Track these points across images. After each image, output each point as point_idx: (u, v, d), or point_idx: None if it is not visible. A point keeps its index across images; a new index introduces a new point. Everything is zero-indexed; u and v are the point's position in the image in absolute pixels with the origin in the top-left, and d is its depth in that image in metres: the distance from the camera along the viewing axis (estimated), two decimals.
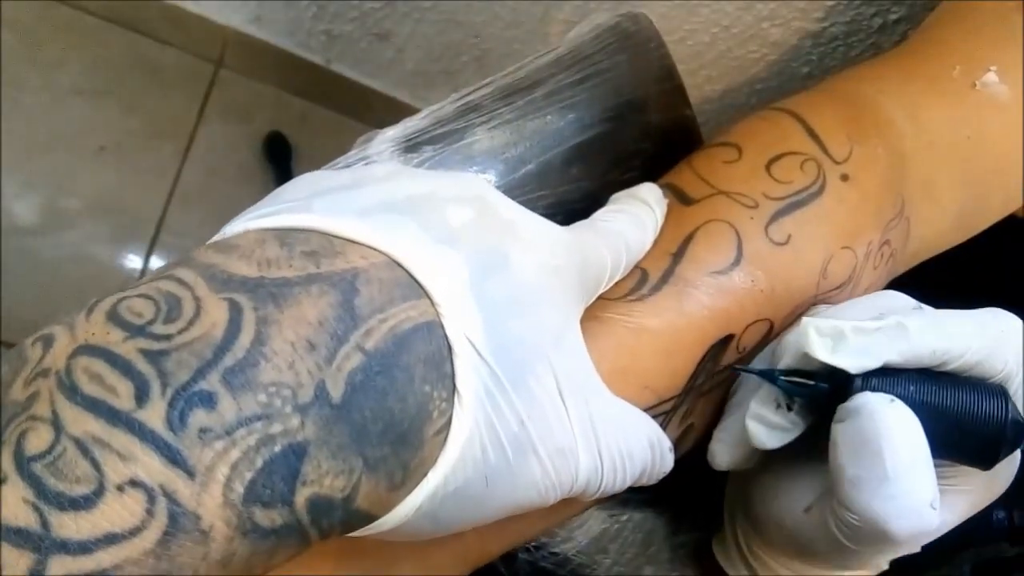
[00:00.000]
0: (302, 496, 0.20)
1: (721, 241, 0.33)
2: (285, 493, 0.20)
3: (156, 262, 0.95)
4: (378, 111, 0.93)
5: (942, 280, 0.43)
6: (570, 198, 0.37)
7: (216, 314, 0.20)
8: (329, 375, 0.20)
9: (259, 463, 0.19)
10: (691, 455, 0.35)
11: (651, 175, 0.37)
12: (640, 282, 0.32)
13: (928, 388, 0.28)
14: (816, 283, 0.34)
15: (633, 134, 0.39)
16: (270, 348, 0.20)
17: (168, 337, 0.20)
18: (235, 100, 0.97)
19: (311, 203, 0.24)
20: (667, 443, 0.30)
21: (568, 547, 0.45)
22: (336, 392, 0.20)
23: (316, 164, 0.39)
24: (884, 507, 0.26)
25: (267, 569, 0.21)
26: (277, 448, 0.20)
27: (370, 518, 0.22)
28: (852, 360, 0.28)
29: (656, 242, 0.33)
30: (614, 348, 0.31)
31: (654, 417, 0.30)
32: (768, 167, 0.35)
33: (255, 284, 0.21)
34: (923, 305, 0.31)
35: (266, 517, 0.20)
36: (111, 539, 0.18)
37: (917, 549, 0.29)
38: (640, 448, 0.28)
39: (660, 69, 0.39)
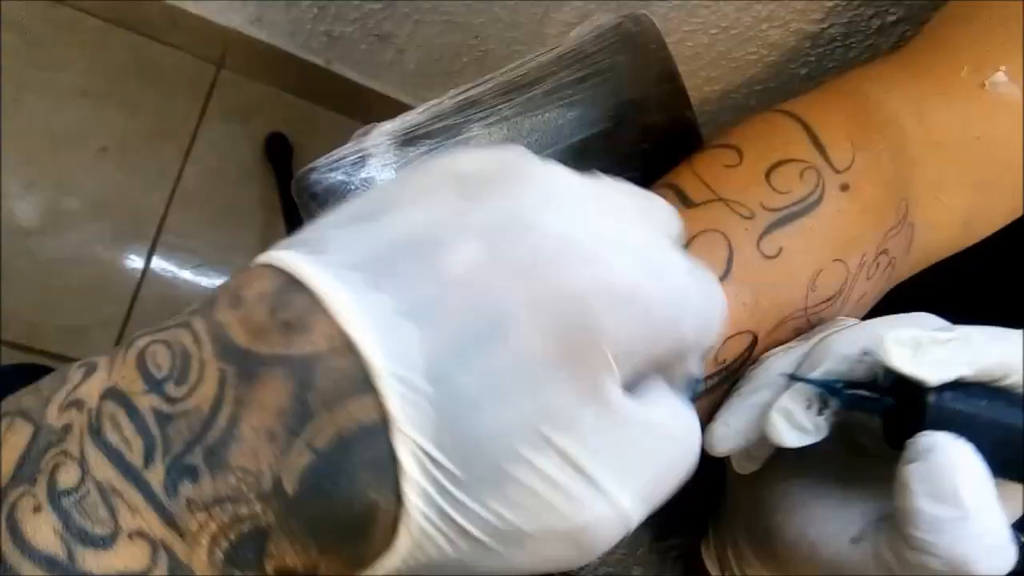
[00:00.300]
0: (271, 566, 0.22)
1: (713, 253, 0.33)
2: (255, 563, 0.22)
3: (157, 262, 0.95)
4: (378, 112, 0.93)
5: (946, 284, 0.43)
6: None
7: (209, 386, 0.22)
8: (285, 469, 0.21)
9: (232, 537, 0.22)
10: None
11: (651, 175, 0.37)
12: None
13: (996, 404, 0.27)
14: (804, 296, 0.34)
15: (633, 134, 0.39)
16: (240, 431, 0.21)
17: (174, 400, 0.22)
18: (236, 101, 0.98)
19: (326, 238, 0.23)
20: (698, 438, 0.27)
21: None
22: (290, 488, 0.21)
23: None
24: (969, 548, 0.26)
25: None
26: (245, 528, 0.22)
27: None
28: (931, 371, 0.27)
29: None
30: None
31: None
32: (768, 175, 0.35)
33: (243, 356, 0.22)
34: (953, 326, 0.30)
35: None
36: None
37: None
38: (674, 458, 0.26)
39: (661, 70, 0.39)
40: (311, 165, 0.37)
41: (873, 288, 0.37)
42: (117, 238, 0.93)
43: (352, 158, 0.37)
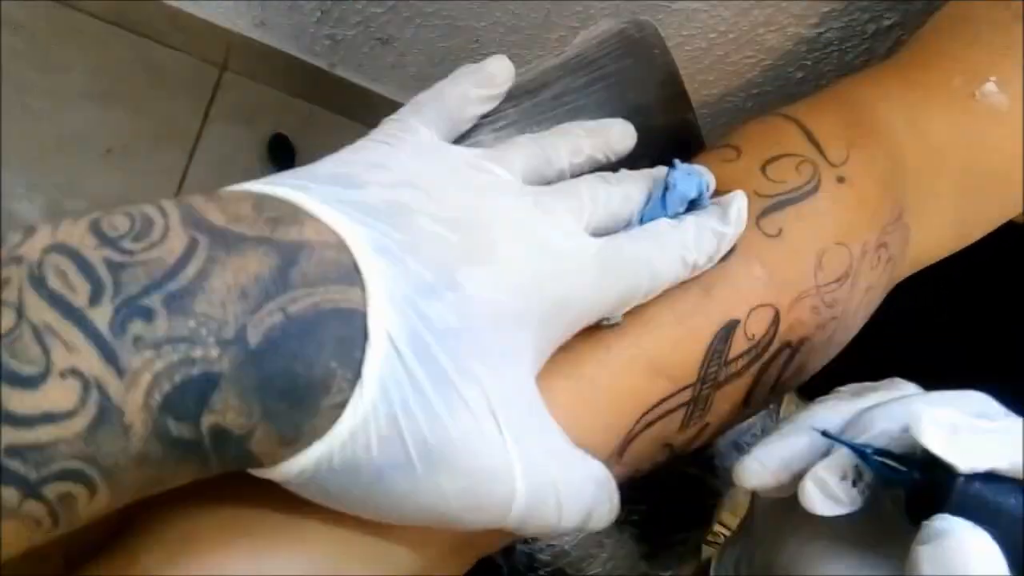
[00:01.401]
0: (207, 420, 0.22)
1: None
2: (193, 413, 0.22)
3: None
4: (381, 114, 0.93)
5: (943, 286, 0.43)
6: None
7: (175, 243, 0.22)
8: (251, 323, 0.22)
9: (177, 379, 0.21)
10: (687, 455, 0.35)
11: None
12: None
13: (1015, 503, 0.26)
14: (813, 273, 0.34)
15: (637, 138, 0.39)
16: (210, 284, 0.22)
17: (130, 253, 0.22)
18: (240, 103, 0.98)
19: (308, 187, 0.26)
20: (615, 488, 0.29)
21: (566, 540, 0.46)
22: (254, 339, 0.22)
23: None
24: None
25: (176, 482, 0.23)
26: (195, 371, 0.22)
27: (259, 463, 0.24)
28: (964, 458, 0.26)
29: None
30: (620, 337, 0.31)
31: (674, 410, 0.31)
32: (764, 168, 0.35)
33: (219, 232, 0.23)
34: (1010, 412, 0.29)
35: (176, 428, 0.22)
36: (49, 418, 0.20)
37: None
38: (586, 488, 0.28)
39: (665, 75, 0.39)
40: None
41: (878, 280, 0.37)
42: None
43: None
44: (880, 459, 0.27)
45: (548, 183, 0.32)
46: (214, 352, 0.22)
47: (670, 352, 0.32)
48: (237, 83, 0.97)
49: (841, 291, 0.35)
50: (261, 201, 0.24)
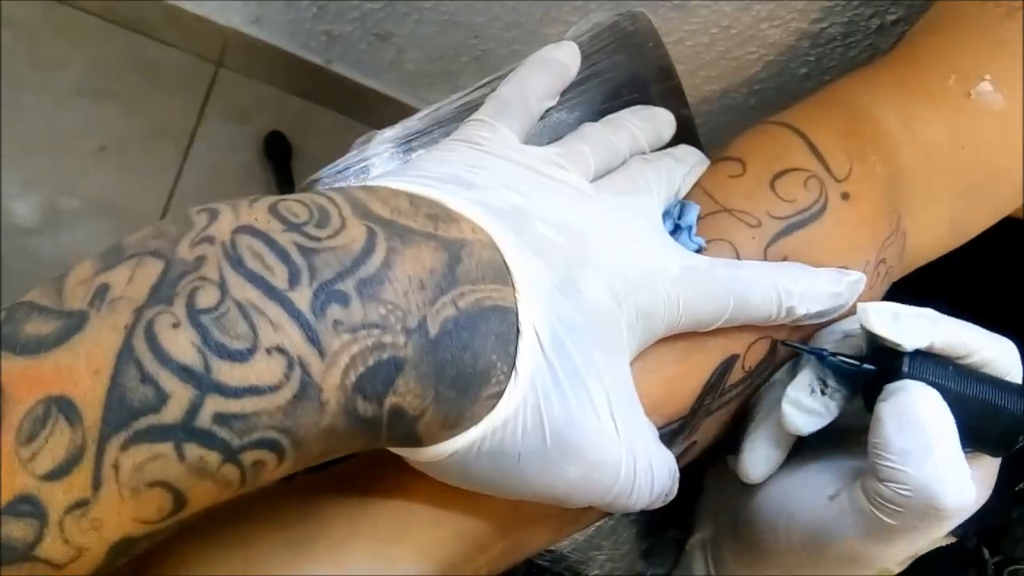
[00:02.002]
0: (390, 401, 0.24)
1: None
2: (381, 394, 0.23)
3: None
4: (378, 111, 0.93)
5: (940, 283, 0.43)
6: None
7: (356, 232, 0.24)
8: (430, 314, 0.24)
9: (370, 362, 0.23)
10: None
11: None
12: None
13: (963, 376, 0.30)
14: None
15: None
16: (393, 273, 0.24)
17: (318, 239, 0.23)
18: (235, 100, 0.98)
19: (434, 185, 0.27)
20: (677, 473, 0.31)
21: (563, 544, 0.45)
22: (433, 329, 0.24)
23: (316, 164, 0.39)
24: (934, 474, 0.28)
25: (343, 451, 0.25)
26: (385, 356, 0.23)
27: (420, 443, 0.26)
28: (906, 337, 0.30)
29: None
30: None
31: (661, 436, 0.32)
32: (772, 183, 0.35)
33: (388, 223, 0.25)
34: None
35: (364, 407, 0.23)
36: (255, 391, 0.21)
37: (954, 526, 0.30)
38: (665, 474, 0.30)
39: (659, 69, 0.38)
40: (315, 176, 0.38)
41: (875, 296, 0.37)
42: (117, 237, 0.93)
43: (356, 167, 0.37)
44: (836, 357, 0.31)
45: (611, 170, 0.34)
46: (401, 339, 0.23)
47: (666, 392, 0.33)
48: (233, 80, 0.97)
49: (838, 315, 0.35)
50: (413, 197, 0.26)
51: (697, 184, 0.36)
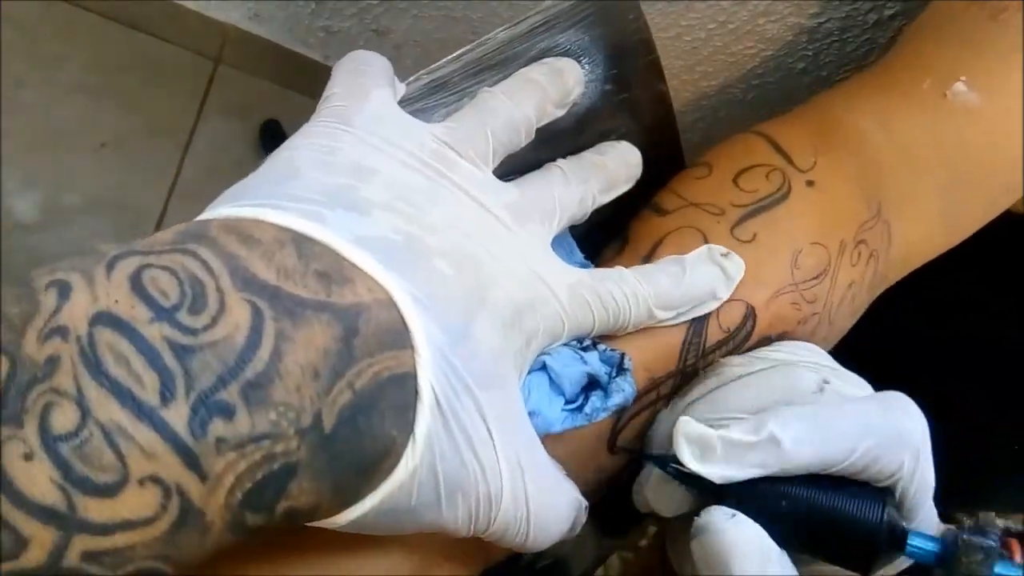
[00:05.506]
0: (282, 507, 0.22)
1: (687, 245, 0.35)
2: (272, 503, 0.22)
3: None
4: None
5: (941, 281, 0.44)
6: None
7: (239, 315, 0.21)
8: (326, 405, 0.22)
9: (259, 476, 0.21)
10: None
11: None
12: None
13: (799, 493, 0.28)
14: (790, 271, 0.36)
15: (608, 111, 0.38)
16: (284, 366, 0.21)
17: (193, 332, 0.20)
18: (234, 96, 0.98)
19: (322, 213, 0.25)
20: (585, 508, 0.30)
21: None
22: (329, 422, 0.22)
23: None
24: None
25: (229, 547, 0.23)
26: (276, 466, 0.21)
27: (313, 520, 0.24)
28: (719, 471, 0.28)
29: (630, 249, 0.36)
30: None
31: (657, 401, 0.33)
32: (735, 179, 0.37)
33: (273, 293, 0.22)
34: (830, 381, 0.31)
35: (253, 519, 0.22)
36: (128, 525, 0.19)
37: None
38: (563, 504, 0.29)
39: (638, 43, 0.37)
40: None
41: (861, 277, 0.38)
42: (117, 234, 0.93)
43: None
44: (675, 467, 0.29)
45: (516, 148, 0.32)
46: (294, 444, 0.21)
47: (647, 348, 0.34)
48: (231, 76, 0.97)
49: (821, 287, 0.36)
50: (300, 244, 0.23)
51: (666, 186, 0.38)
